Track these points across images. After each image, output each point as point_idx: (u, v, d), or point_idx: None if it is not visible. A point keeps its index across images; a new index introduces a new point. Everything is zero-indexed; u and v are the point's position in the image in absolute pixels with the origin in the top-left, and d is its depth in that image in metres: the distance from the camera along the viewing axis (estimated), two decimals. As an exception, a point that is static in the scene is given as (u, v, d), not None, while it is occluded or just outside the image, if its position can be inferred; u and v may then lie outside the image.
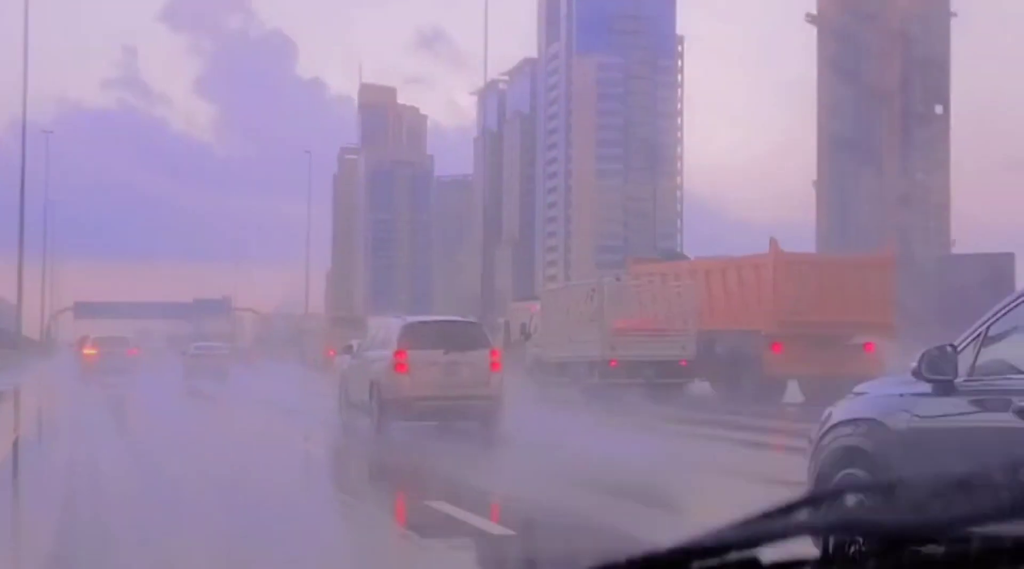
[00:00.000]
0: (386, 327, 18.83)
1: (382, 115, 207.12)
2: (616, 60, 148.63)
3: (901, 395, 5.61)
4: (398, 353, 17.29)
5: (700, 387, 27.90)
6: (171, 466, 14.16)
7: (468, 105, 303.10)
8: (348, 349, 21.56)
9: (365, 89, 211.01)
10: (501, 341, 52.11)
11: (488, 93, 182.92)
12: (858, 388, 6.20)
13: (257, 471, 13.57)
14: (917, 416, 5.37)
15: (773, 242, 27.57)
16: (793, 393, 26.74)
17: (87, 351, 48.62)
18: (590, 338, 26.59)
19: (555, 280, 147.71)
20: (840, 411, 6.04)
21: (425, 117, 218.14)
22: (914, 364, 5.28)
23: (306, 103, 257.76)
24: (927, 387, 5.40)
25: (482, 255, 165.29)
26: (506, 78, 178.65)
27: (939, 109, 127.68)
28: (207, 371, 42.22)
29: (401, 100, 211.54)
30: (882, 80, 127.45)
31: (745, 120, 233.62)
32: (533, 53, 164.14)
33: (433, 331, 18.26)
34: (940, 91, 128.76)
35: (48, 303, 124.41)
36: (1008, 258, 51.54)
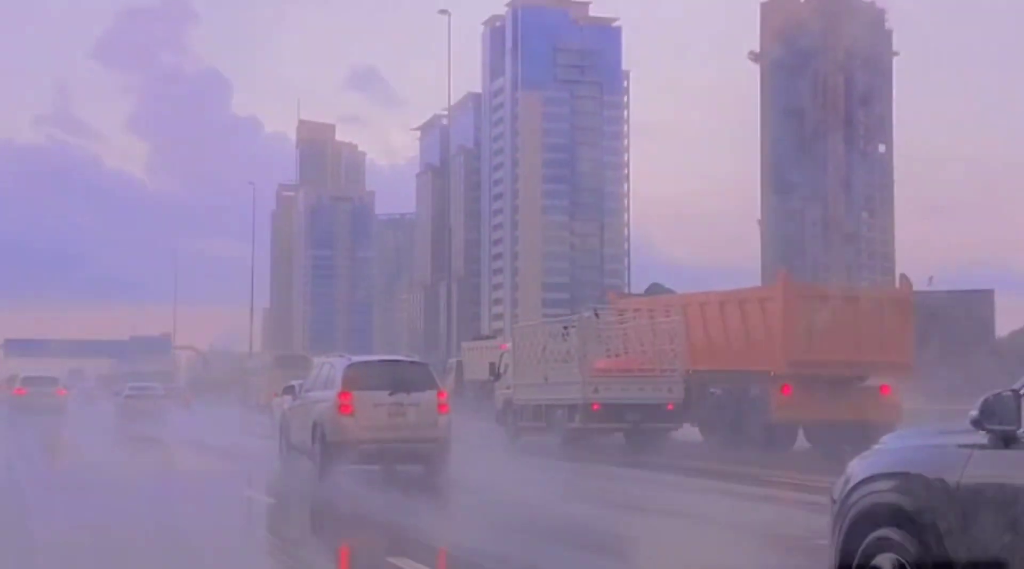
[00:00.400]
0: (329, 367, 18.32)
1: (320, 151, 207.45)
2: (562, 94, 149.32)
3: (947, 446, 4.87)
4: (342, 394, 16.92)
5: (688, 433, 26.37)
6: (96, 513, 13.40)
7: (406, 142, 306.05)
8: (290, 390, 21.04)
9: (303, 126, 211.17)
10: (452, 382, 49.51)
11: (430, 129, 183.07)
12: (888, 437, 5.45)
13: (192, 519, 12.98)
14: (971, 470, 4.62)
15: (782, 273, 26.88)
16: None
17: (15, 392, 47.98)
18: (569, 379, 25.13)
19: (502, 318, 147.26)
20: (870, 463, 5.30)
21: (364, 154, 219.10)
22: (974, 412, 4.53)
23: (241, 141, 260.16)
24: (979, 437, 4.65)
25: (425, 293, 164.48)
26: (446, 113, 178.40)
27: (882, 148, 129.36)
28: (142, 413, 41.66)
29: (339, 137, 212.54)
30: (825, 119, 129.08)
31: (691, 157, 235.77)
32: (477, 87, 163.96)
33: (378, 371, 17.92)
34: (884, 129, 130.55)
35: None
36: (987, 295, 51.03)
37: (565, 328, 26.40)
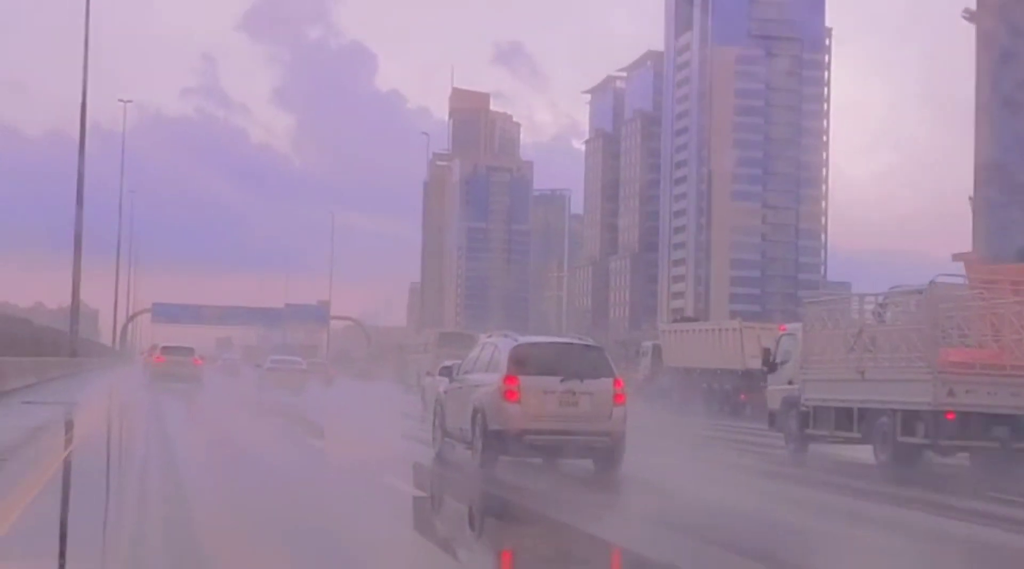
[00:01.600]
0: (492, 347, 18.00)
1: (474, 121, 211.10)
2: (756, 52, 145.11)
3: None
4: (508, 378, 16.71)
5: None
6: (213, 503, 12.92)
7: (558, 115, 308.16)
8: (446, 371, 20.78)
9: (456, 94, 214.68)
10: (648, 368, 49.26)
11: (602, 92, 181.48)
12: None
13: (326, 509, 12.38)
14: None
15: None
16: None
17: (155, 359, 52.13)
18: (908, 375, 20.20)
19: (682, 297, 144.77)
20: None
21: (518, 125, 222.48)
22: None
23: (386, 114, 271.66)
24: None
25: (593, 268, 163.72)
26: (623, 75, 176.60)
27: None
28: (281, 386, 44.47)
29: (493, 107, 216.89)
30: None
31: (893, 130, 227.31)
32: (658, 45, 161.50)
33: (548, 354, 17.61)
34: None
35: (126, 308, 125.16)
36: None
37: (911, 301, 21.48)
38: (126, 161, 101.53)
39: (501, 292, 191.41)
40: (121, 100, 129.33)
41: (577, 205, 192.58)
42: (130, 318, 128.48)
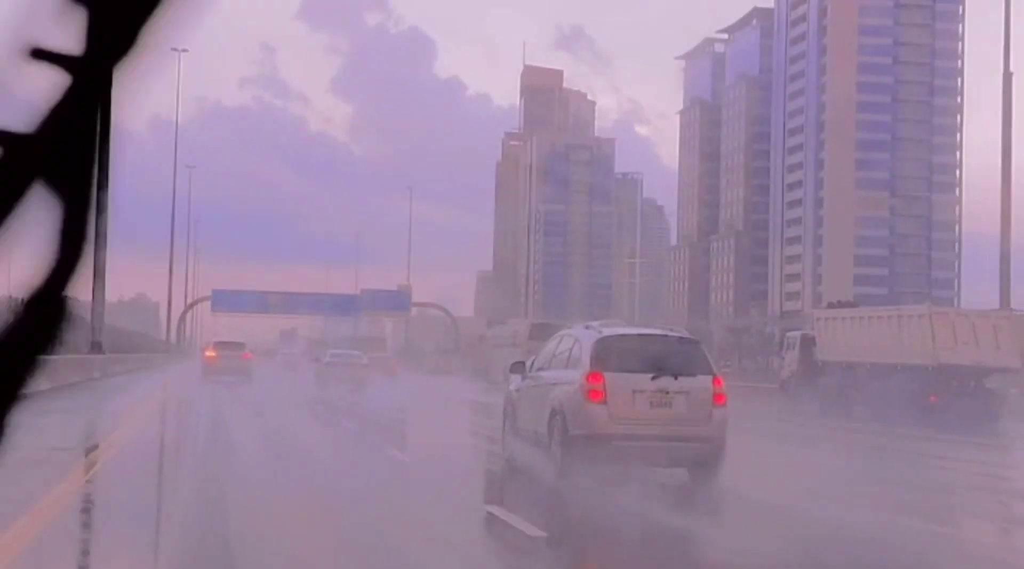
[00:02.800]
0: (572, 340, 16.51)
1: (547, 100, 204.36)
2: (884, 2, 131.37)
3: None
4: (591, 376, 15.29)
5: None
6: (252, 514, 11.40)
7: (632, 94, 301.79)
8: (518, 367, 18.54)
9: (528, 72, 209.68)
10: (796, 362, 44.39)
11: (698, 57, 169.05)
12: None
13: (384, 531, 10.97)
14: None
15: None
16: None
17: (207, 355, 55.28)
18: None
19: (798, 279, 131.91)
20: None
21: (593, 103, 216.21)
22: None
23: (448, 98, 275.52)
24: None
25: (691, 250, 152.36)
26: (724, 36, 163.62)
27: None
28: (341, 381, 44.47)
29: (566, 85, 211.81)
30: None
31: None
32: (766, 2, 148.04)
33: (637, 348, 15.91)
34: None
35: (185, 299, 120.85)
36: None
37: None
38: (187, 153, 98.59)
39: (582, 279, 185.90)
40: (187, 166, 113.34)
41: (652, 188, 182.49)
42: (188, 307, 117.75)
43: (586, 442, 15.05)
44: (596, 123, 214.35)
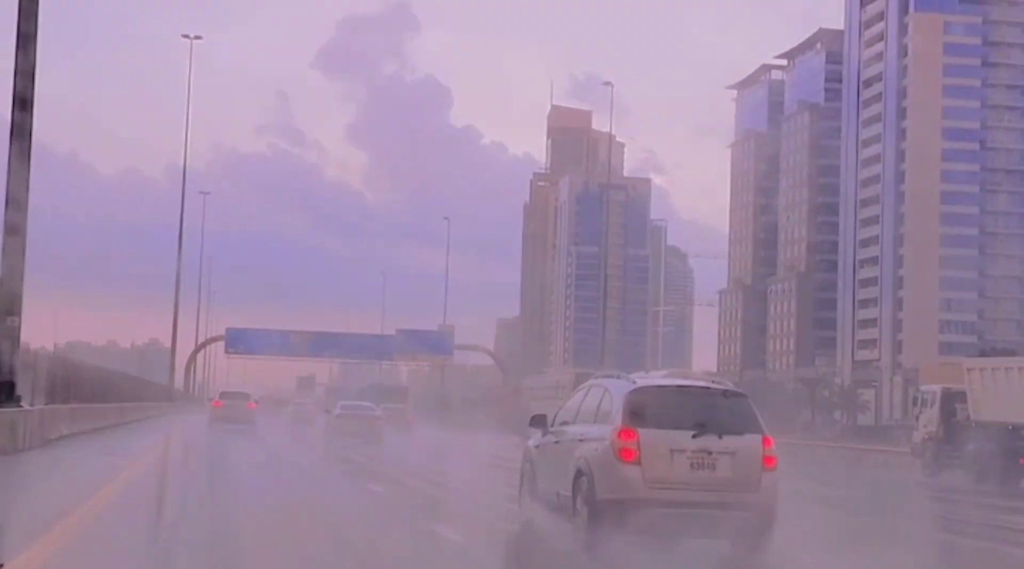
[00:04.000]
0: (601, 391, 15.18)
1: (575, 141, 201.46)
2: (971, 17, 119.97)
3: None
4: (623, 432, 13.90)
5: None
6: None
7: (668, 139, 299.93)
8: (539, 421, 16.97)
9: (556, 113, 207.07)
10: (936, 421, 39.66)
11: (750, 86, 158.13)
12: None
13: None
14: None
15: None
16: None
17: (214, 404, 58.85)
18: None
19: (873, 326, 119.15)
20: None
21: (622, 145, 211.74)
22: None
23: (462, 149, 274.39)
24: None
25: (744, 294, 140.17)
26: (783, 63, 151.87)
27: None
28: (352, 434, 43.53)
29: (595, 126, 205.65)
30: None
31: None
32: (830, 22, 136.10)
33: (676, 402, 14.52)
34: None
35: (195, 342, 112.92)
36: None
37: None
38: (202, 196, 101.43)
39: (616, 325, 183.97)
40: (201, 193, 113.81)
41: (674, 236, 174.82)
42: (197, 348, 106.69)
43: (616, 508, 13.65)
44: (625, 166, 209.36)
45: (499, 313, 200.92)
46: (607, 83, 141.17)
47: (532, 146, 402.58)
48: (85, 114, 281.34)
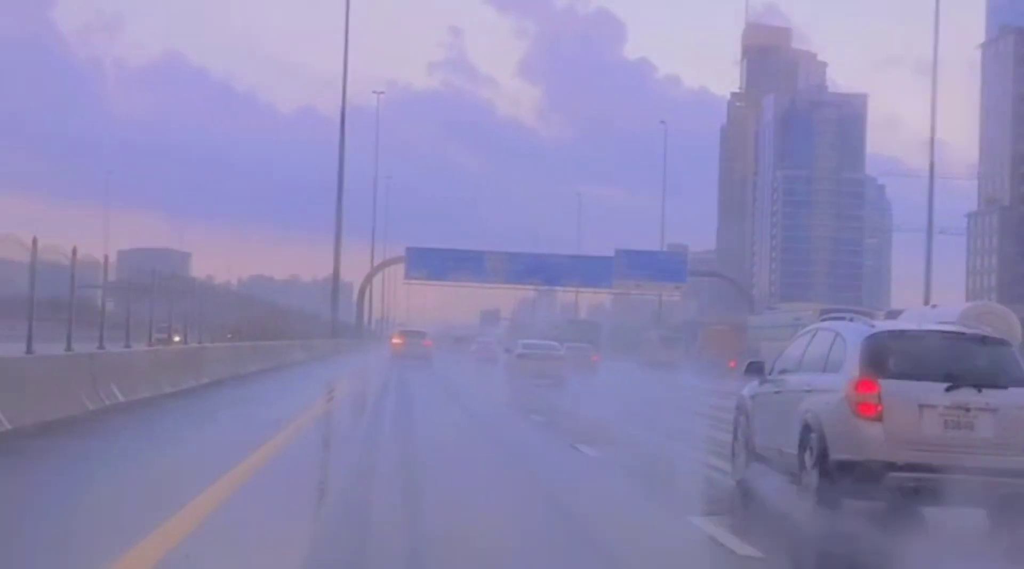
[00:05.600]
0: (830, 336, 13.50)
1: (773, 60, 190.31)
2: None
3: None
4: (862, 383, 12.25)
5: None
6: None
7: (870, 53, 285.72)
8: (756, 368, 15.31)
9: (751, 30, 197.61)
10: None
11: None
12: None
13: None
14: None
15: None
16: None
17: (394, 341, 65.51)
18: None
19: None
20: None
21: (824, 64, 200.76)
22: None
23: (636, 81, 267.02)
24: None
25: (1000, 216, 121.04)
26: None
27: None
28: (534, 375, 43.28)
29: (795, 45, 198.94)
30: None
31: None
32: None
33: (925, 349, 12.71)
34: None
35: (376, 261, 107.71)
36: None
37: None
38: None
39: (827, 256, 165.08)
40: (375, 92, 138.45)
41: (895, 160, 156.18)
42: (374, 270, 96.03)
43: (853, 470, 12.11)
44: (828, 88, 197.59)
45: (694, 244, 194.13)
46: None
47: (709, 79, 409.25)
48: (264, 53, 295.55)
